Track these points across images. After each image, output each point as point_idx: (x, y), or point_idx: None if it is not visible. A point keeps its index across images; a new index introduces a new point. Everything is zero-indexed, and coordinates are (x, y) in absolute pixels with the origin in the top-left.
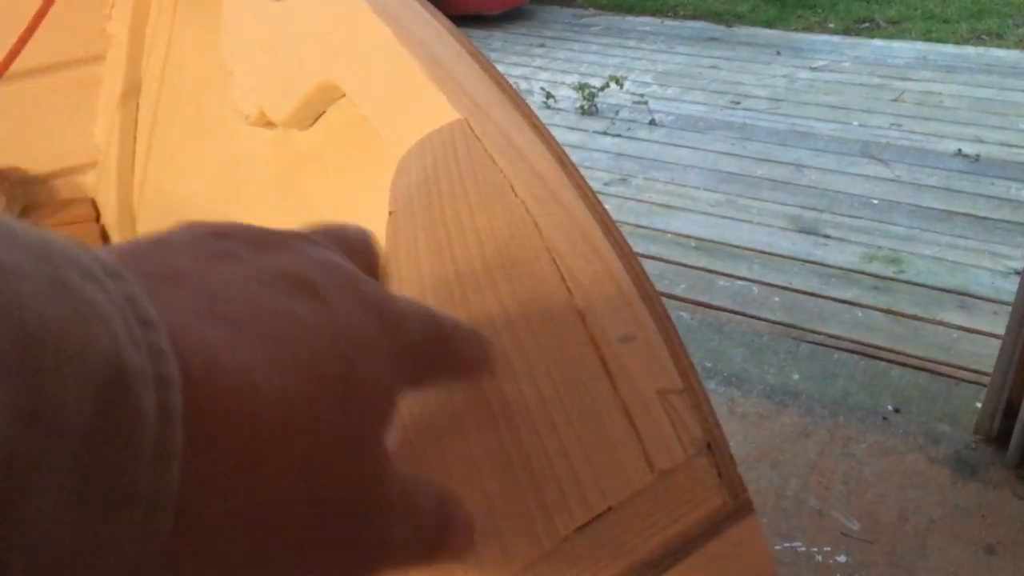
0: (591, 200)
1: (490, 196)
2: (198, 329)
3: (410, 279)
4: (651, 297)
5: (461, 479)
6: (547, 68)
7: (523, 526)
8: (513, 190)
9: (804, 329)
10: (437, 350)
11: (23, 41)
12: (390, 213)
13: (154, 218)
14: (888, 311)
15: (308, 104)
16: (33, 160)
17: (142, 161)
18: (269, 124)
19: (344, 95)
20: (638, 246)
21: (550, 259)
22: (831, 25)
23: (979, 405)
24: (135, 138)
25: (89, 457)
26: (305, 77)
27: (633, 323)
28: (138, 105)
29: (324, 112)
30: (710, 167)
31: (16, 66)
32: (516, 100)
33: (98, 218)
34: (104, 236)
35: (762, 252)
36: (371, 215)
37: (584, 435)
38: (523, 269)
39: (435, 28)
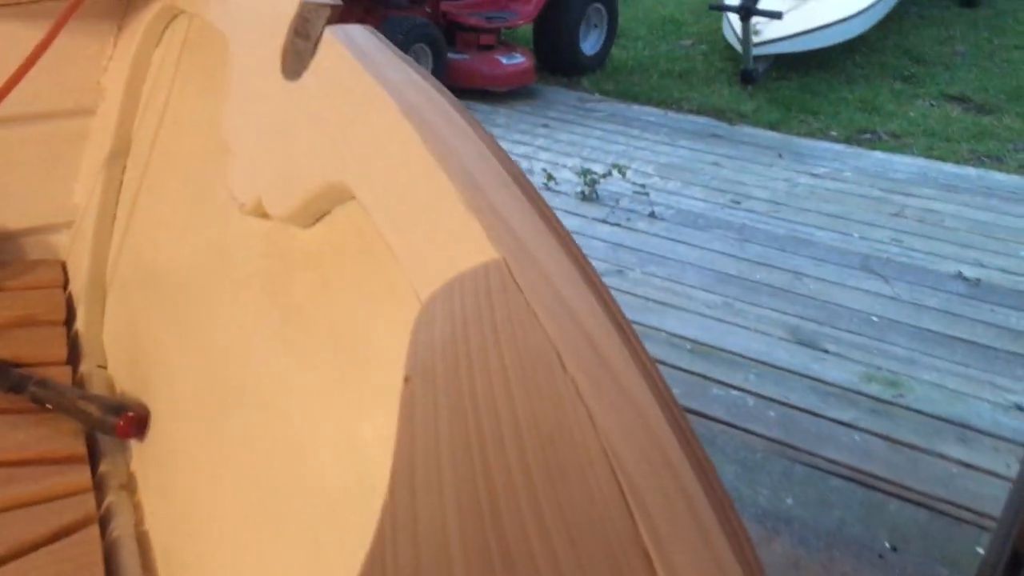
0: (655, 381)
1: (532, 369)
2: None
3: (426, 478)
4: (737, 535)
5: None
6: (549, 149)
7: None
8: (561, 363)
9: (800, 449)
10: None
11: (10, 86)
12: (406, 380)
13: (127, 290)
14: (887, 438)
15: (312, 202)
16: (3, 214)
17: (122, 227)
18: (265, 215)
19: (354, 198)
20: None
21: (608, 468)
22: (833, 133)
23: (980, 550)
24: (117, 202)
25: None
26: (313, 172)
27: (715, 570)
28: (125, 167)
29: (329, 212)
30: (708, 266)
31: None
32: (565, 239)
33: (66, 284)
34: (70, 306)
35: (759, 362)
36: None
37: None
38: (573, 480)
39: (474, 141)
